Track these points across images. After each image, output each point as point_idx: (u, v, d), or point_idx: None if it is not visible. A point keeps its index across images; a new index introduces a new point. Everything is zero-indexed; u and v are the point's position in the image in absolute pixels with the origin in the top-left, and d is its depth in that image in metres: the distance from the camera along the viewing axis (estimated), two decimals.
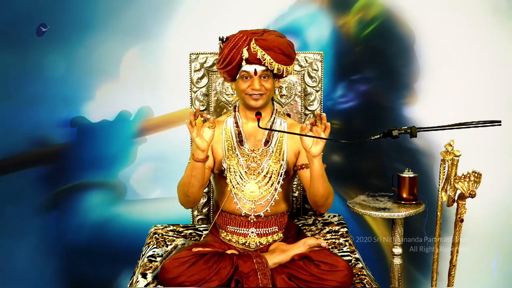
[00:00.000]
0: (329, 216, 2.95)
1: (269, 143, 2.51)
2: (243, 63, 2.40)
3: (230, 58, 2.41)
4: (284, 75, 2.47)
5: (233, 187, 2.48)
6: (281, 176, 2.49)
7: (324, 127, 2.26)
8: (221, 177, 2.52)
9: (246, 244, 2.49)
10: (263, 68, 2.41)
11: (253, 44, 2.37)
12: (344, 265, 2.28)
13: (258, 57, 2.38)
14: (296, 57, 2.83)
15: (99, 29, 3.41)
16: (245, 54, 2.38)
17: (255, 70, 2.41)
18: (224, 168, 2.49)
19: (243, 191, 2.47)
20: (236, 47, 2.39)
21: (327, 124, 2.26)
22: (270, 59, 2.38)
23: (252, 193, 2.47)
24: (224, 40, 2.46)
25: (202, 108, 2.88)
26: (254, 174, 2.48)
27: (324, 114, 2.25)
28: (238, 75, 2.45)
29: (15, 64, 3.41)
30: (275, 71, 2.41)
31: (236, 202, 2.48)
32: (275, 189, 2.49)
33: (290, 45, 2.44)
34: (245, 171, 2.48)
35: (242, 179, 2.48)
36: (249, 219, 2.48)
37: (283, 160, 2.49)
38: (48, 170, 3.50)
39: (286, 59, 2.42)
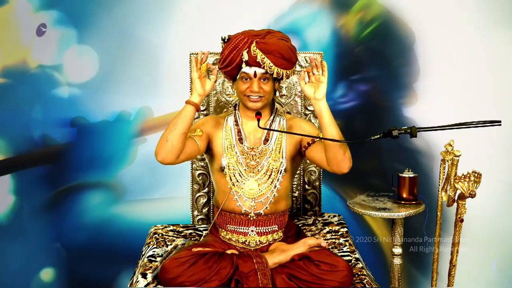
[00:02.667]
0: (329, 216, 2.95)
1: (269, 141, 2.51)
2: (243, 65, 2.40)
3: (230, 60, 2.41)
4: (284, 79, 2.46)
5: (233, 184, 2.48)
6: (280, 173, 2.49)
7: (322, 69, 2.31)
8: (221, 175, 2.52)
9: (246, 243, 2.49)
10: (263, 70, 2.41)
11: (254, 47, 2.37)
12: (344, 265, 2.28)
13: (257, 60, 2.38)
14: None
15: (99, 28, 3.41)
16: (245, 57, 2.38)
17: (255, 72, 2.41)
18: (224, 166, 2.49)
19: (242, 188, 2.48)
20: (237, 49, 2.39)
21: (323, 64, 2.30)
22: (269, 63, 2.38)
23: (251, 191, 2.48)
24: (226, 40, 2.46)
25: (202, 108, 2.88)
26: (253, 172, 2.48)
27: (317, 57, 2.26)
28: (238, 76, 2.45)
29: (15, 64, 3.42)
30: (274, 75, 2.41)
31: (236, 199, 2.48)
32: (275, 187, 2.49)
33: (292, 49, 2.43)
34: (245, 169, 2.48)
35: (241, 177, 2.48)
36: (249, 217, 2.48)
37: (282, 157, 2.49)
38: (48, 170, 3.50)
39: (286, 63, 2.41)
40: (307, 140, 2.48)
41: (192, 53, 2.85)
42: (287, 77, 2.46)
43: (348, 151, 2.38)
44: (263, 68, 2.39)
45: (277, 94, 2.72)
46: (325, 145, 2.36)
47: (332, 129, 2.33)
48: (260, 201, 2.48)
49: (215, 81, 2.37)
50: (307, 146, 2.48)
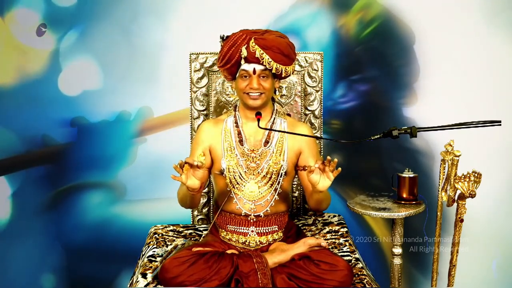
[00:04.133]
0: (329, 216, 2.95)
1: (269, 143, 2.51)
2: (242, 61, 2.40)
3: (229, 56, 2.41)
4: (283, 76, 2.46)
5: (233, 187, 2.48)
6: (281, 176, 2.49)
7: (333, 169, 2.25)
8: (220, 177, 2.52)
9: (246, 243, 2.49)
10: (262, 67, 2.41)
11: (252, 43, 2.38)
12: (344, 264, 2.28)
13: (256, 56, 2.38)
14: (296, 57, 2.82)
15: (99, 28, 3.41)
16: (244, 53, 2.38)
17: (254, 69, 2.41)
18: (224, 168, 2.49)
19: (242, 191, 2.48)
20: (235, 45, 2.40)
21: (338, 170, 2.24)
22: (268, 58, 2.38)
23: (251, 193, 2.47)
24: (225, 38, 2.47)
25: (202, 108, 2.88)
26: (253, 174, 2.48)
27: (336, 160, 2.23)
28: (237, 74, 2.46)
29: (15, 63, 3.42)
30: (273, 71, 2.41)
31: (236, 202, 2.48)
32: (275, 190, 2.49)
33: (290, 45, 2.44)
34: (245, 171, 2.48)
35: (241, 179, 2.48)
36: (249, 218, 2.48)
37: (283, 160, 2.49)
38: (48, 170, 3.50)
39: (285, 59, 2.42)
40: (304, 162, 2.49)
41: (192, 53, 2.85)
42: (286, 74, 2.46)
43: (326, 204, 2.48)
44: (262, 64, 2.39)
45: (277, 93, 2.72)
46: (313, 195, 2.40)
47: (321, 202, 2.42)
48: (260, 203, 2.48)
49: (204, 166, 2.29)
50: (302, 169, 2.49)
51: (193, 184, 2.29)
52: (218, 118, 2.61)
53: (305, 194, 2.53)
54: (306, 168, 2.46)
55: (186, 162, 2.25)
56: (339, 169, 2.24)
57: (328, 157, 2.21)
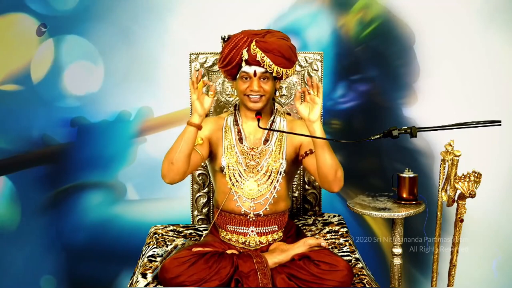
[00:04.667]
0: (329, 216, 2.95)
1: (269, 142, 2.51)
2: (243, 64, 2.40)
3: (230, 58, 2.41)
4: (284, 78, 2.46)
5: (232, 184, 2.48)
6: (280, 174, 2.49)
7: (317, 90, 2.28)
8: (220, 175, 2.52)
9: (246, 243, 2.49)
10: (263, 70, 2.41)
11: (253, 45, 2.37)
12: (344, 265, 2.28)
13: (257, 59, 2.37)
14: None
15: (99, 28, 3.41)
16: (245, 55, 2.38)
17: (255, 71, 2.41)
18: (223, 166, 2.49)
19: (242, 188, 2.48)
20: (236, 48, 2.39)
21: (318, 85, 2.28)
22: (269, 62, 2.38)
23: (251, 191, 2.47)
24: (226, 39, 2.46)
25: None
26: (253, 172, 2.48)
27: (314, 77, 2.25)
28: (238, 75, 2.45)
29: (14, 63, 3.43)
30: (274, 74, 2.41)
31: (236, 200, 2.48)
32: (274, 188, 2.49)
33: (292, 48, 2.43)
34: (244, 169, 2.48)
35: (241, 177, 2.48)
36: (249, 217, 2.48)
37: (282, 158, 2.49)
38: (48, 170, 3.50)
39: (286, 62, 2.41)
40: (305, 149, 2.47)
41: (192, 53, 2.85)
42: (287, 77, 2.45)
43: (340, 171, 2.35)
44: (263, 67, 2.39)
45: (277, 93, 2.72)
46: (317, 162, 2.34)
47: (324, 152, 2.30)
48: (259, 202, 2.48)
49: (214, 97, 2.35)
50: (304, 156, 2.48)
51: (199, 108, 2.31)
52: (219, 116, 2.62)
53: (316, 179, 2.43)
54: (308, 153, 2.45)
55: (203, 81, 2.30)
56: (320, 84, 2.25)
57: (307, 77, 2.21)
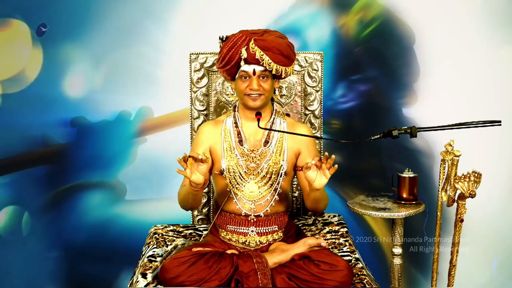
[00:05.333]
0: (329, 216, 2.95)
1: (269, 143, 2.50)
2: (242, 63, 2.40)
3: (229, 58, 2.41)
4: (283, 76, 2.46)
5: (233, 187, 2.48)
6: (281, 176, 2.49)
7: (329, 166, 2.24)
8: (220, 177, 2.52)
9: (246, 243, 2.49)
10: (262, 68, 2.41)
11: (252, 44, 2.37)
12: (344, 265, 2.28)
13: (256, 57, 2.37)
14: (296, 57, 2.83)
15: (99, 28, 3.41)
16: (244, 54, 2.38)
17: (254, 70, 2.41)
18: (223, 169, 2.48)
19: (242, 191, 2.47)
20: (235, 47, 2.39)
21: (335, 167, 2.24)
22: (268, 60, 2.38)
23: (251, 193, 2.47)
24: (224, 39, 2.46)
25: (202, 108, 2.88)
26: (253, 174, 2.48)
27: (333, 157, 2.23)
28: (237, 75, 2.45)
29: (15, 63, 3.43)
30: (273, 72, 2.41)
31: (236, 202, 2.48)
32: (275, 190, 2.49)
33: (290, 46, 2.44)
34: (245, 171, 2.48)
35: (241, 179, 2.48)
36: (249, 218, 2.48)
37: (283, 160, 2.49)
38: (48, 170, 3.50)
39: (285, 60, 2.41)
40: (303, 161, 2.48)
41: (192, 53, 2.85)
42: (286, 75, 2.45)
43: (327, 205, 2.50)
44: (262, 65, 2.39)
45: (277, 93, 2.72)
46: (308, 198, 2.43)
47: (317, 202, 2.42)
48: (260, 203, 2.48)
49: (207, 161, 2.26)
50: (300, 169, 2.49)
51: (197, 179, 2.28)
52: (217, 119, 2.60)
53: (303, 195, 2.53)
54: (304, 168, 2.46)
55: (190, 156, 2.24)
56: (336, 166, 2.23)
57: (326, 154, 2.21)
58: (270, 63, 2.39)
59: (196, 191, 2.35)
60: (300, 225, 2.84)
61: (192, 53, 2.86)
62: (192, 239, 2.75)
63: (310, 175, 2.27)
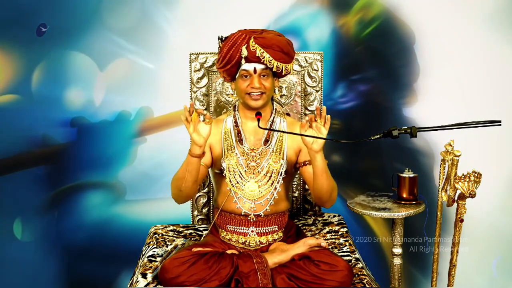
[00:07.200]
0: (329, 216, 2.95)
1: (269, 142, 2.51)
2: (242, 61, 2.40)
3: (230, 57, 2.41)
4: (283, 74, 2.46)
5: (233, 186, 2.48)
6: (281, 175, 2.49)
7: (324, 121, 2.27)
8: (220, 176, 2.52)
9: (246, 243, 2.49)
10: (263, 66, 2.41)
11: (252, 42, 2.38)
12: (344, 265, 2.28)
13: (257, 55, 2.38)
14: (296, 57, 2.83)
15: (99, 28, 3.41)
16: (244, 52, 2.38)
17: (255, 68, 2.41)
18: (224, 168, 2.48)
19: (242, 190, 2.47)
20: (235, 46, 2.40)
21: (327, 117, 2.27)
22: (269, 57, 2.39)
23: (251, 192, 2.47)
24: (223, 39, 2.47)
25: (202, 108, 2.88)
26: (253, 173, 2.48)
27: (324, 107, 2.27)
28: (237, 74, 2.45)
29: (15, 63, 3.42)
30: (274, 69, 2.41)
31: (236, 201, 2.48)
32: (275, 188, 2.49)
33: (289, 43, 2.45)
34: (245, 170, 2.48)
35: (241, 178, 2.48)
36: (249, 218, 2.48)
37: (283, 159, 2.49)
38: (48, 170, 3.50)
39: (285, 57, 2.42)
40: (304, 157, 2.48)
41: (192, 53, 2.85)
42: (287, 72, 2.46)
43: (335, 191, 2.43)
44: (263, 63, 2.39)
45: (277, 92, 2.72)
46: (314, 184, 2.39)
47: (323, 179, 2.36)
48: (260, 202, 2.48)
49: (210, 123, 2.31)
50: (302, 165, 2.49)
51: (198, 139, 2.29)
52: (217, 119, 2.61)
53: (309, 189, 2.51)
54: (306, 163, 2.46)
55: (195, 110, 2.26)
56: (329, 116, 2.26)
57: (317, 106, 2.21)
58: (270, 60, 2.39)
59: (194, 159, 2.31)
60: (300, 225, 2.84)
61: (192, 53, 2.86)
62: (192, 239, 2.75)
63: (307, 138, 2.28)
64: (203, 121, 2.31)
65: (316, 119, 2.28)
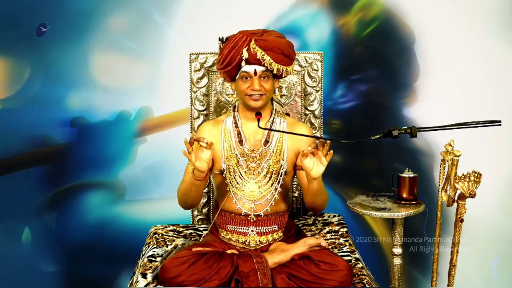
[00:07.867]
0: (329, 216, 2.95)
1: (269, 143, 2.51)
2: (243, 63, 2.40)
3: (230, 59, 2.41)
4: (283, 76, 2.46)
5: (233, 186, 2.48)
6: (281, 176, 2.49)
7: (326, 153, 2.27)
8: (221, 177, 2.52)
9: (246, 242, 2.49)
10: (263, 68, 2.41)
11: (253, 44, 2.37)
12: (344, 264, 2.28)
13: (258, 57, 2.38)
14: (296, 57, 2.83)
15: (99, 28, 3.41)
16: (245, 55, 2.38)
17: (255, 70, 2.41)
18: (224, 169, 2.48)
19: (243, 190, 2.47)
20: (236, 48, 2.39)
21: (331, 153, 2.27)
22: (269, 60, 2.38)
23: (252, 193, 2.47)
24: (224, 40, 2.46)
25: (202, 108, 2.88)
26: (253, 174, 2.48)
27: (328, 142, 2.25)
28: (237, 76, 2.45)
29: (15, 63, 3.42)
30: (274, 72, 2.41)
31: (236, 202, 2.48)
32: (275, 189, 2.49)
33: (290, 45, 2.44)
34: (245, 171, 2.48)
35: (241, 179, 2.48)
36: (249, 218, 2.48)
37: (283, 160, 2.49)
38: (48, 170, 3.50)
39: (286, 60, 2.42)
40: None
41: (192, 53, 2.85)
42: (287, 74, 2.46)
43: (326, 202, 2.48)
44: (263, 65, 2.39)
45: (277, 92, 2.72)
46: (308, 195, 2.43)
47: (316, 197, 2.41)
48: (260, 203, 2.48)
49: (211, 147, 2.29)
50: (299, 168, 2.49)
51: (201, 165, 2.29)
52: (217, 119, 2.61)
53: (303, 194, 2.53)
54: (300, 168, 2.46)
55: (195, 140, 2.27)
56: (331, 152, 2.26)
57: (321, 139, 2.22)
58: (271, 63, 2.39)
59: (199, 181, 2.34)
60: (300, 225, 2.84)
61: (192, 53, 2.86)
62: (192, 239, 2.75)
63: (307, 164, 2.28)
64: (205, 147, 2.29)
65: (319, 148, 2.28)
